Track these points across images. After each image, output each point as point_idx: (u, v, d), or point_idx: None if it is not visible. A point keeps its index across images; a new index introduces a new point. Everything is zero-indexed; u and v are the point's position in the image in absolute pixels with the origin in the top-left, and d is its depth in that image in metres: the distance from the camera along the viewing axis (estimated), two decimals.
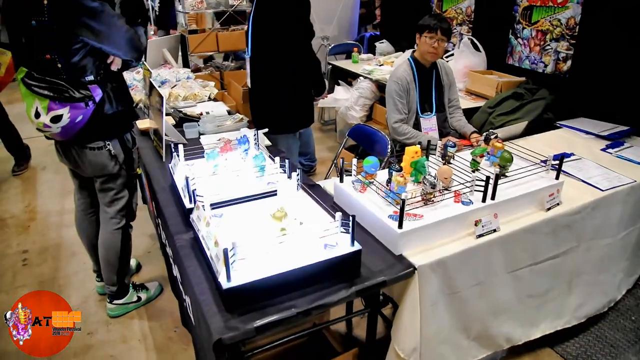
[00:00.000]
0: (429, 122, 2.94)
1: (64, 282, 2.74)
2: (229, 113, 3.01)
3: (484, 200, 1.76)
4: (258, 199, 1.78)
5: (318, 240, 1.47)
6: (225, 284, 1.30)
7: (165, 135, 2.51)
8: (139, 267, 2.87)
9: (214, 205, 1.72)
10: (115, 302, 2.48)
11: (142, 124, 2.83)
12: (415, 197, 1.77)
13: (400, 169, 1.80)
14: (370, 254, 1.58)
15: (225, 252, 1.26)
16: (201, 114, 2.98)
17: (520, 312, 2.02)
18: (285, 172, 1.90)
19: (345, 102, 4.08)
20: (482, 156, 2.02)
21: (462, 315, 1.79)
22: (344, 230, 1.48)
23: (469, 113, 3.25)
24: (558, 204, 1.97)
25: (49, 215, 3.50)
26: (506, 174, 1.97)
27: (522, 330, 2.07)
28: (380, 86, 3.87)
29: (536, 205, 1.93)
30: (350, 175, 1.90)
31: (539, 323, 2.13)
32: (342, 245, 1.48)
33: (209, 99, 3.38)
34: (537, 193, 1.91)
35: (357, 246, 1.47)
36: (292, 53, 2.85)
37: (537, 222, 1.86)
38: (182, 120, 2.89)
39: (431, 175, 1.72)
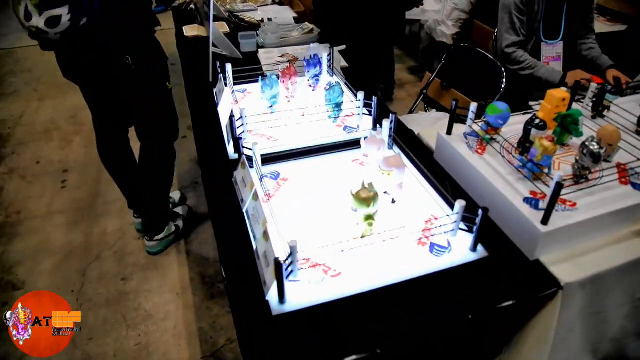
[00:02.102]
0: (553, 50, 2.21)
1: (102, 210, 2.46)
2: (296, 21, 2.42)
3: None
4: (330, 153, 1.29)
5: (420, 236, 0.99)
6: (276, 308, 0.86)
7: (214, 46, 2.00)
8: (183, 199, 2.54)
9: (268, 159, 1.25)
10: (156, 238, 2.19)
11: (190, 30, 2.32)
12: (560, 172, 1.21)
13: (545, 126, 1.22)
14: (495, 254, 1.08)
15: (279, 264, 0.81)
16: (262, 20, 2.41)
17: None
18: (370, 114, 1.37)
19: (435, 14, 3.31)
20: None
21: (598, 337, 1.29)
22: (466, 229, 0.98)
23: (603, 40, 2.44)
24: None
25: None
26: None
27: None
28: None
29: None
30: (464, 123, 1.34)
31: None
32: (459, 247, 0.98)
33: (274, 2, 2.77)
34: None
35: (480, 252, 0.98)
36: None
37: None
38: (239, 28, 2.34)
39: (593, 141, 1.13)
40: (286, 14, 2.50)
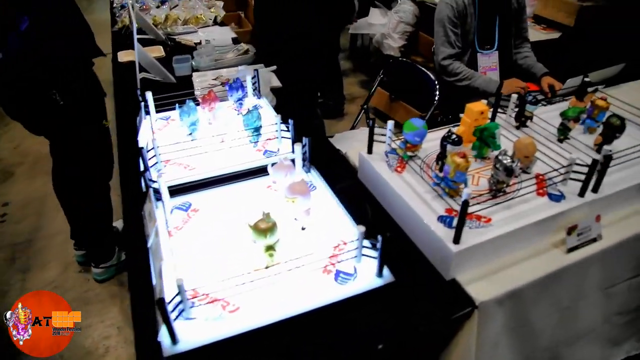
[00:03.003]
0: (488, 60, 2.24)
1: (42, 245, 2.36)
2: (235, 42, 2.39)
3: (582, 194, 1.17)
4: (249, 179, 1.25)
5: (326, 263, 0.95)
6: (168, 349, 0.82)
7: (145, 72, 1.95)
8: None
9: (182, 189, 1.21)
10: (102, 265, 2.11)
11: (125, 55, 2.26)
12: (478, 187, 1.20)
13: (460, 141, 1.20)
14: (409, 275, 1.06)
15: (163, 303, 0.76)
16: (199, 43, 2.37)
17: (603, 333, 1.49)
18: (290, 136, 1.34)
19: (381, 27, 3.33)
20: (576, 120, 1.38)
21: (529, 348, 1.28)
22: (371, 255, 0.95)
23: (539, 48, 2.48)
24: None
25: (39, 158, 3.06)
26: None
27: (601, 352, 1.55)
28: (426, 9, 3.09)
29: None
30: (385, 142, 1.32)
31: (622, 342, 1.60)
32: (366, 273, 0.95)
33: (215, 22, 2.74)
34: None
35: (387, 277, 0.95)
36: None
37: None
38: (176, 51, 2.30)
39: (506, 155, 1.12)
40: (226, 35, 2.47)
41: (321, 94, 3.51)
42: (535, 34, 2.64)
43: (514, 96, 1.47)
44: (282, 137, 1.34)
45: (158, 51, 2.19)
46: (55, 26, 1.57)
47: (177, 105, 1.41)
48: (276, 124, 1.33)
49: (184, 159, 1.34)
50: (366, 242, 0.97)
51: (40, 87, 1.59)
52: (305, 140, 1.22)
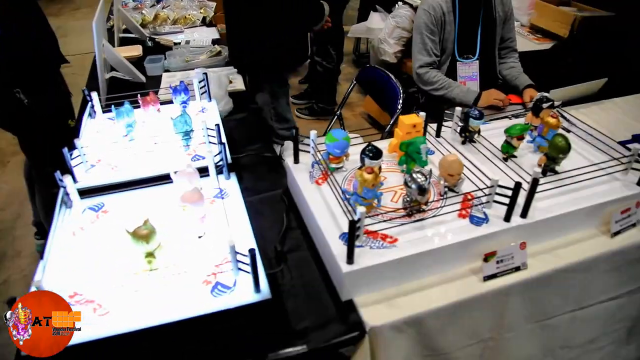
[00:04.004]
0: (469, 69, 2.15)
1: (20, 233, 2.43)
2: (215, 43, 2.39)
3: (507, 218, 1.10)
4: (163, 184, 1.23)
5: (209, 273, 0.93)
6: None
7: (115, 70, 1.98)
8: None
9: (102, 189, 1.21)
10: None
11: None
12: (398, 204, 1.14)
13: (378, 155, 1.15)
14: (306, 294, 1.03)
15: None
16: (179, 43, 2.39)
17: None
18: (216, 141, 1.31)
19: (380, 32, 3.27)
20: (520, 138, 1.29)
21: None
22: (244, 269, 0.91)
23: (528, 59, 2.36)
24: (634, 225, 1.25)
25: None
26: (557, 169, 1.27)
27: None
28: None
29: (596, 227, 1.23)
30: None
31: None
32: (243, 288, 0.92)
33: (203, 22, 2.75)
34: (600, 208, 1.19)
35: (264, 293, 0.91)
36: None
37: (592, 256, 1.17)
38: (154, 50, 2.32)
39: (420, 174, 1.06)
40: (209, 36, 2.47)
41: (312, 96, 3.50)
42: (529, 44, 2.51)
43: (458, 109, 1.39)
44: (209, 142, 1.32)
45: (135, 50, 2.22)
46: (24, 35, 1.65)
47: (112, 106, 1.41)
48: (203, 129, 1.30)
49: (112, 160, 1.34)
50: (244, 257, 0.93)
51: (5, 86, 1.64)
52: (220, 146, 1.19)
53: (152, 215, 1.11)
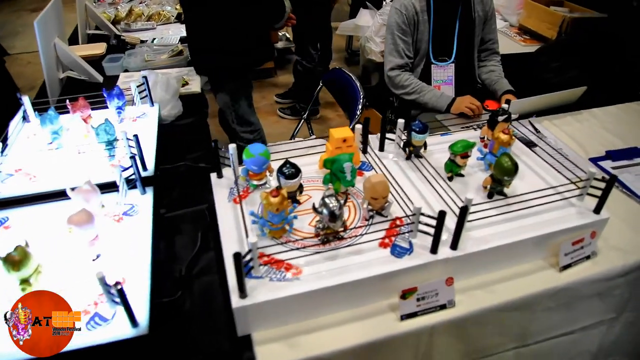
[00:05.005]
0: (444, 73, 2.01)
1: None
2: (182, 41, 2.31)
3: (433, 250, 0.98)
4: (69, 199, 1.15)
5: (87, 306, 0.85)
6: None
7: (68, 70, 1.92)
8: None
9: (16, 201, 1.14)
10: None
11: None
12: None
13: (295, 174, 1.05)
14: (204, 325, 0.94)
15: None
16: (146, 41, 2.31)
17: None
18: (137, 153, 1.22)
19: (367, 30, 3.12)
20: (464, 156, 1.17)
21: None
22: (116, 301, 0.83)
23: (511, 62, 2.19)
24: (587, 258, 1.12)
25: None
26: (506, 191, 1.14)
27: None
28: None
29: (543, 259, 1.11)
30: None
31: None
32: (122, 320, 0.83)
33: (178, 19, 2.67)
34: (548, 238, 1.07)
35: (142, 328, 0.83)
36: None
37: (534, 293, 1.05)
38: (119, 48, 2.25)
39: (334, 198, 0.95)
40: (180, 33, 2.39)
41: (294, 95, 3.40)
42: (514, 45, 2.35)
43: (401, 122, 1.27)
44: (130, 153, 1.23)
45: (98, 48, 2.15)
46: None
47: (36, 112, 1.34)
48: (123, 139, 1.22)
49: (32, 169, 1.26)
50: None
51: None
52: (132, 160, 1.11)
53: (52, 233, 1.04)
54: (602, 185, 1.07)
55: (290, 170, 1.04)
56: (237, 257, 0.82)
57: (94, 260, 0.98)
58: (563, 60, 1.96)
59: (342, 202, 0.96)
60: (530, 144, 1.43)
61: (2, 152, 1.29)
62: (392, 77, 1.98)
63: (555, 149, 1.45)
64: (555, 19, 2.18)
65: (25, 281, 0.87)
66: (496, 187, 1.14)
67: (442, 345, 1.03)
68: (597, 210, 1.10)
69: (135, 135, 1.19)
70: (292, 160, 1.08)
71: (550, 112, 1.68)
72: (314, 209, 0.96)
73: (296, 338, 0.93)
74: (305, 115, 2.06)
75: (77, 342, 0.82)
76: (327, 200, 0.95)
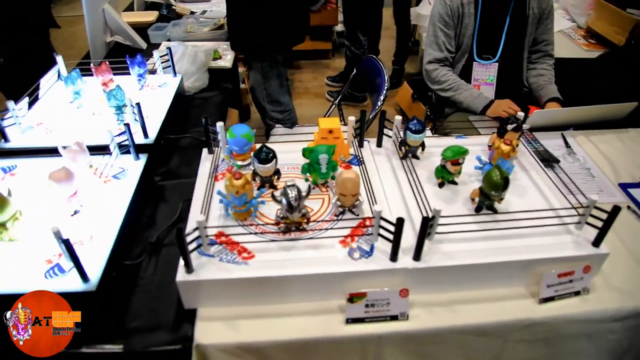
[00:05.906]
0: (486, 72, 1.87)
1: None
2: None
3: (393, 258, 0.93)
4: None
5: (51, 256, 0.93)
6: None
7: (116, 35, 2.03)
8: None
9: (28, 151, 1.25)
10: None
11: (127, 17, 2.37)
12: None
13: (269, 159, 1.04)
14: (158, 293, 0.98)
15: None
16: (194, 13, 2.38)
17: None
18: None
19: (426, 19, 2.98)
20: (454, 162, 1.08)
21: None
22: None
23: (566, 66, 1.96)
24: (577, 294, 1.00)
25: None
26: (496, 206, 1.05)
27: None
28: None
29: (525, 286, 1.01)
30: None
31: None
32: (76, 274, 0.89)
33: None
34: (531, 266, 0.97)
35: (91, 285, 0.88)
36: None
37: (503, 321, 0.96)
38: (169, 17, 2.34)
39: (295, 189, 0.93)
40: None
41: (343, 80, 3.35)
42: (575, 49, 2.11)
43: (398, 118, 1.20)
44: (135, 119, 1.29)
45: (149, 16, 2.25)
46: None
47: (59, 73, 1.44)
48: (131, 106, 1.28)
49: (50, 124, 1.37)
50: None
51: None
52: (125, 127, 1.16)
53: (44, 185, 1.12)
54: (604, 216, 0.94)
55: (264, 155, 1.03)
56: (180, 232, 0.84)
57: (72, 215, 1.05)
58: (621, 70, 1.73)
59: (304, 194, 0.94)
60: (549, 160, 1.30)
61: (30, 106, 1.41)
62: (429, 71, 1.88)
63: (581, 168, 1.31)
64: (627, 23, 1.92)
65: (1, 225, 0.95)
66: (484, 201, 1.05)
67: (393, 358, 0.99)
68: (597, 243, 0.98)
69: (138, 104, 1.24)
70: (294, 145, 1.07)
71: (592, 126, 1.50)
72: (273, 196, 0.95)
73: (238, 321, 0.93)
74: (336, 101, 2.02)
75: (34, 286, 0.88)
76: (288, 190, 0.93)
